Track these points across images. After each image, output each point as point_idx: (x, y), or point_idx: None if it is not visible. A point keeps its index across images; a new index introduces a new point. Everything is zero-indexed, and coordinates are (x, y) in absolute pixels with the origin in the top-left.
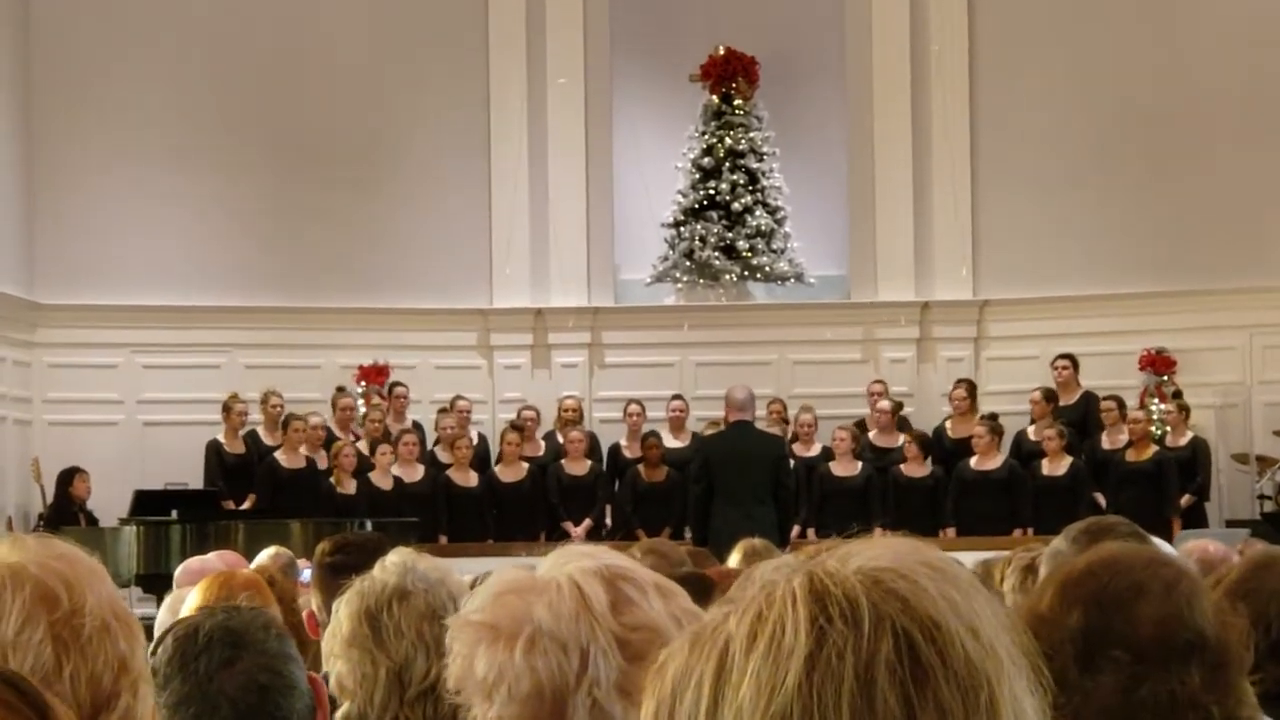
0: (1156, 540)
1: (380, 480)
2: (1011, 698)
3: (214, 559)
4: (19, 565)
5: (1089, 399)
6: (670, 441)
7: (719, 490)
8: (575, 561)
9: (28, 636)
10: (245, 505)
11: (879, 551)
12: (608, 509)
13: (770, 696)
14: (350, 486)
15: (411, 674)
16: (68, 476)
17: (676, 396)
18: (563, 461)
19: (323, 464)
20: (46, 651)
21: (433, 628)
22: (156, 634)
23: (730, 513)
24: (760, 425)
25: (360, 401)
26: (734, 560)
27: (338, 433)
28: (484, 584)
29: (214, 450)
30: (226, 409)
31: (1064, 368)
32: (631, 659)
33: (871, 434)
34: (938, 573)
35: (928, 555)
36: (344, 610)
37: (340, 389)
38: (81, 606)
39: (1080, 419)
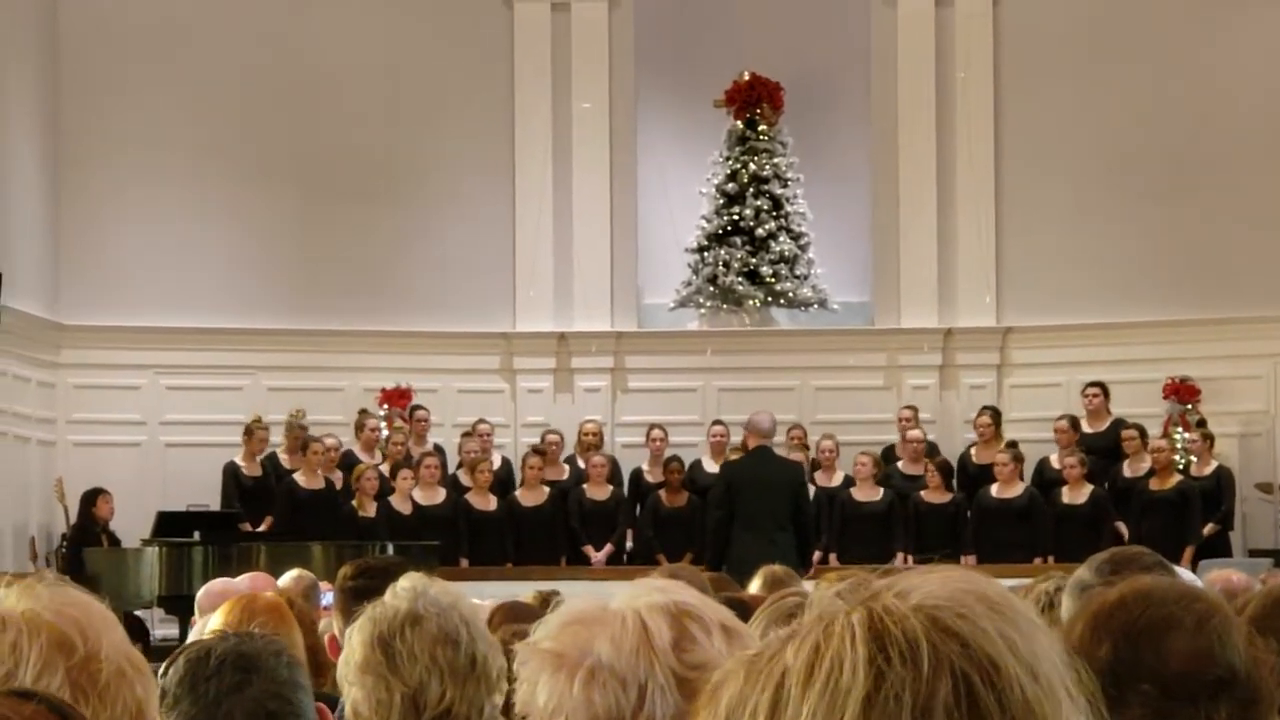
0: (1184, 572)
1: (400, 504)
2: None
3: (239, 581)
4: (33, 613)
5: (1119, 427)
6: (710, 466)
7: (740, 516)
8: (646, 595)
9: (46, 682)
10: (261, 527)
11: (937, 587)
12: (629, 534)
13: None
14: (371, 509)
15: (426, 699)
16: (91, 497)
17: (717, 422)
18: (584, 486)
19: (340, 485)
20: (65, 697)
21: (445, 652)
22: None
23: (751, 538)
24: (779, 451)
25: (383, 424)
26: (755, 587)
27: (362, 455)
28: (557, 610)
29: (231, 473)
30: (249, 432)
31: (1094, 395)
32: (689, 698)
33: (899, 463)
34: (996, 611)
35: (987, 591)
36: (356, 637)
37: (364, 411)
38: (97, 653)
39: (1111, 446)
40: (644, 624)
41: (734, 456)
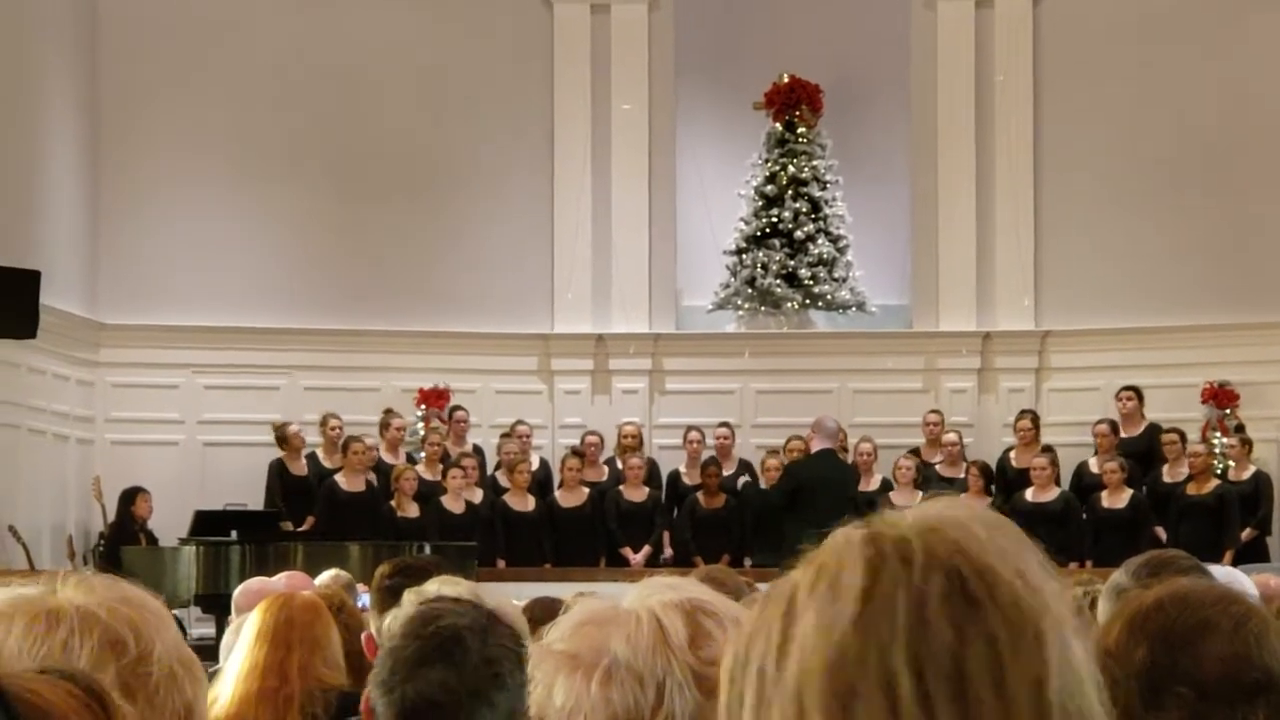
0: (1234, 573)
1: (452, 504)
2: (1059, 638)
3: (276, 580)
4: (87, 609)
5: (1153, 431)
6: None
7: (805, 515)
8: (658, 594)
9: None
10: (304, 527)
11: (934, 508)
12: (666, 536)
13: (830, 630)
14: (411, 510)
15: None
16: (130, 496)
17: (723, 424)
18: (621, 488)
19: (378, 486)
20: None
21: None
22: (221, 656)
23: (817, 540)
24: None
25: (420, 425)
26: None
27: (385, 455)
28: (568, 612)
29: (277, 471)
30: (282, 438)
31: (1128, 399)
32: (708, 694)
33: (938, 465)
34: (987, 524)
35: (981, 511)
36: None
37: (389, 411)
38: (149, 654)
39: (1144, 451)
40: (659, 622)
41: (771, 459)
